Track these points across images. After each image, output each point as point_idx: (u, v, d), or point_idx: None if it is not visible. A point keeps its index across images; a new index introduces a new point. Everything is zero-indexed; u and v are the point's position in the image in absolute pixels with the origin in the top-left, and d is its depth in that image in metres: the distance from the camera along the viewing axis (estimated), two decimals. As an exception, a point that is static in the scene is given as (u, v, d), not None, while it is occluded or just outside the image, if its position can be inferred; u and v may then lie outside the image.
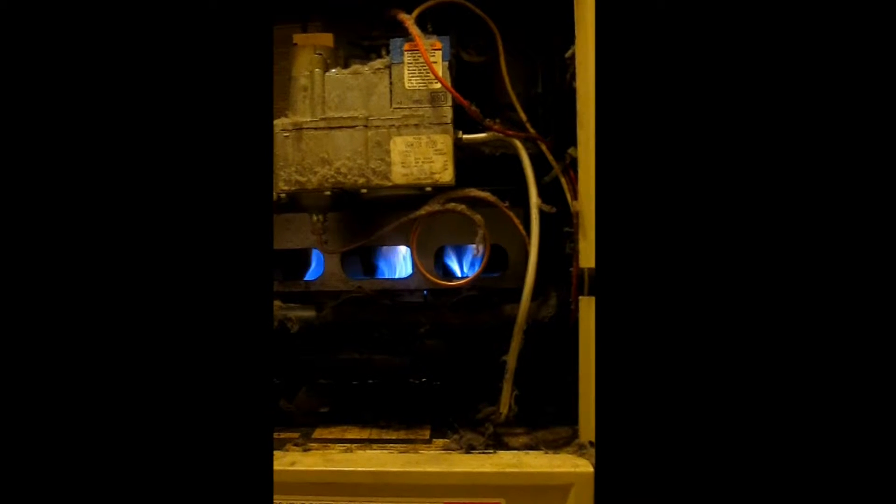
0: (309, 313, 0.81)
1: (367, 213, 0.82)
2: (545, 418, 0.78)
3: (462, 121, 0.71)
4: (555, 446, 0.72)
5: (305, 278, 0.94)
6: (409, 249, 0.91)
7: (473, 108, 0.67)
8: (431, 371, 0.87)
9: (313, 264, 0.95)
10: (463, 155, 0.72)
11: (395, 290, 0.90)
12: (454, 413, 0.80)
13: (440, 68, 0.67)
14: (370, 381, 0.91)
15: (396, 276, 0.94)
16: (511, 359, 0.69)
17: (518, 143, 0.70)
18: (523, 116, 0.74)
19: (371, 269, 0.98)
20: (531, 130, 0.73)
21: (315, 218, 0.72)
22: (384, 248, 0.95)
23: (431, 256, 0.89)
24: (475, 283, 0.77)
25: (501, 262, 0.89)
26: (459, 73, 0.75)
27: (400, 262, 0.97)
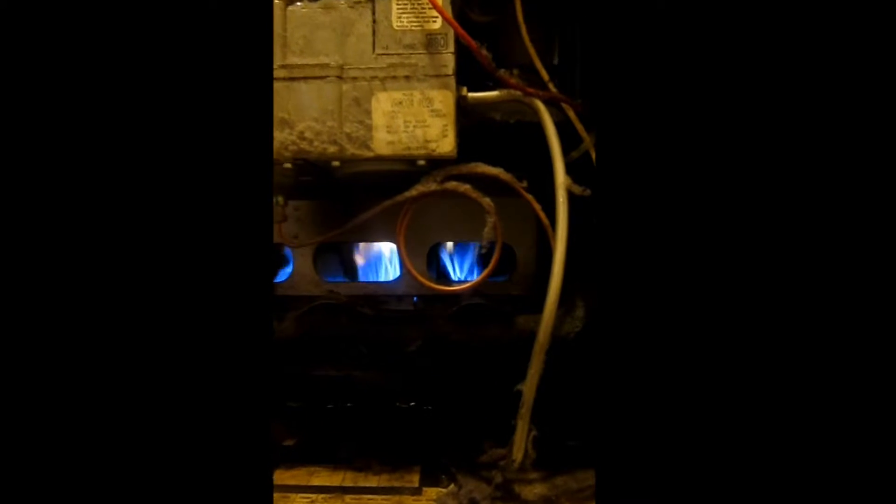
0: (267, 324, 0.61)
1: (348, 199, 0.62)
2: (566, 457, 0.59)
3: (466, 76, 0.51)
4: (581, 499, 0.53)
5: (276, 279, 0.74)
6: (395, 245, 0.72)
7: (485, 52, 0.48)
8: (421, 396, 0.67)
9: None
10: (466, 122, 0.52)
11: (379, 296, 0.71)
12: (450, 452, 0.60)
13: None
14: (348, 405, 0.71)
15: (382, 279, 0.75)
16: (529, 389, 0.49)
17: (540, 105, 0.51)
18: (545, 76, 0.55)
19: (353, 270, 0.78)
20: (554, 90, 0.54)
21: (273, 199, 0.52)
22: (368, 245, 0.75)
23: (424, 255, 0.70)
24: (479, 289, 0.58)
25: (505, 262, 0.70)
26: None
27: (386, 262, 0.77)
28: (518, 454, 0.50)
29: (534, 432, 0.50)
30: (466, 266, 0.76)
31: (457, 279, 0.74)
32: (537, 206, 0.51)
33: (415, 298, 0.71)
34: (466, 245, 0.75)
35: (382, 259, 0.77)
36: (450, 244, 0.75)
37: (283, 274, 0.73)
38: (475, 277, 0.74)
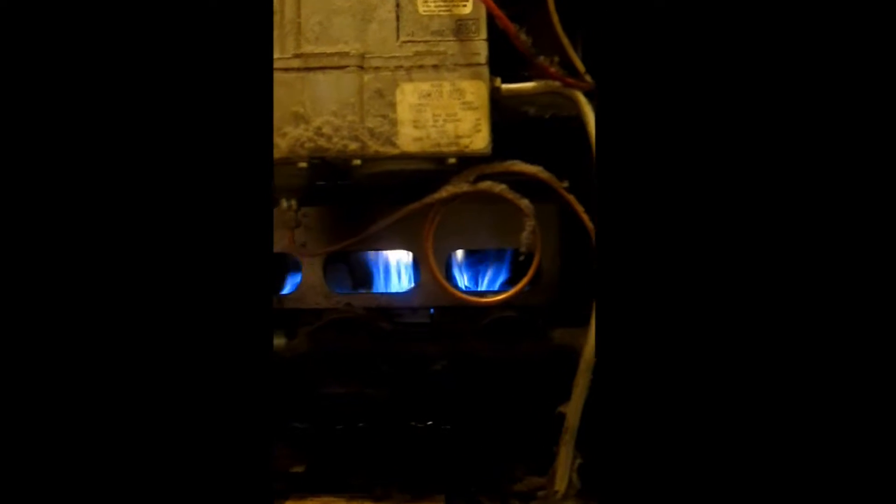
0: (277, 341, 0.55)
1: (361, 204, 0.56)
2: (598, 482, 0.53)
3: (499, 66, 0.46)
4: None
5: (282, 292, 0.68)
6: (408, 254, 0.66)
7: (522, 37, 0.43)
8: (443, 416, 0.62)
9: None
10: (497, 117, 0.47)
11: (392, 308, 0.65)
12: (478, 479, 0.54)
13: (472, -20, 0.43)
14: (360, 425, 0.65)
15: (393, 290, 0.69)
16: (573, 411, 0.44)
17: (581, 98, 0.45)
18: (580, 67, 0.49)
19: (363, 279, 0.72)
20: (592, 82, 0.48)
21: (286, 204, 0.47)
22: (380, 253, 0.70)
23: (442, 264, 0.64)
24: (510, 300, 0.52)
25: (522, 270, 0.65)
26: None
27: (396, 271, 0.71)
28: (561, 485, 0.44)
29: (579, 460, 0.44)
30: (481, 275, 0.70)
31: (465, 287, 0.69)
32: (580, 208, 0.45)
33: (431, 310, 0.66)
34: (477, 253, 0.70)
35: (391, 268, 0.72)
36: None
37: (292, 285, 0.67)
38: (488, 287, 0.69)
